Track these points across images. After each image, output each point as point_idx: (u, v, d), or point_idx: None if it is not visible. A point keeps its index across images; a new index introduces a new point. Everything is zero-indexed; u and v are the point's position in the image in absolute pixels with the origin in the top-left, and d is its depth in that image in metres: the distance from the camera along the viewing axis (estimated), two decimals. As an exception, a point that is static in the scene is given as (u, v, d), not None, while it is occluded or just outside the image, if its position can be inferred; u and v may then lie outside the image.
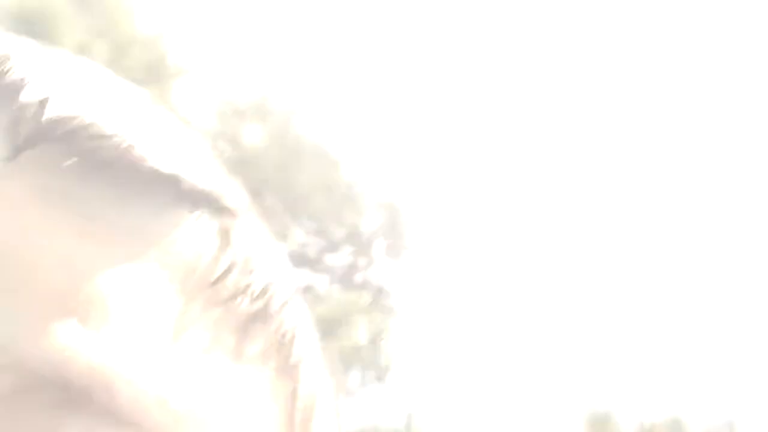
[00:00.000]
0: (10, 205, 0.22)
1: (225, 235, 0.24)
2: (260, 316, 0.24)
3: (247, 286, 0.24)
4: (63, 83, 0.24)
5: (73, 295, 0.21)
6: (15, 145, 0.22)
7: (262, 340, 0.24)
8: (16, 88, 0.23)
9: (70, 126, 0.22)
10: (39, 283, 0.21)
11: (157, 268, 0.23)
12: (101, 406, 0.20)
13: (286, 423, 0.24)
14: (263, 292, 0.25)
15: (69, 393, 0.20)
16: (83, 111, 0.23)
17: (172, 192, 0.23)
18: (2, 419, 0.19)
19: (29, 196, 0.22)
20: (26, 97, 0.22)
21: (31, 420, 0.20)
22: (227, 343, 0.23)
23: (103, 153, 0.23)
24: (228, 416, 0.22)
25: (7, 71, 0.23)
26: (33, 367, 0.20)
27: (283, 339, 0.25)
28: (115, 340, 0.21)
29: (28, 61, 0.24)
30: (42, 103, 0.22)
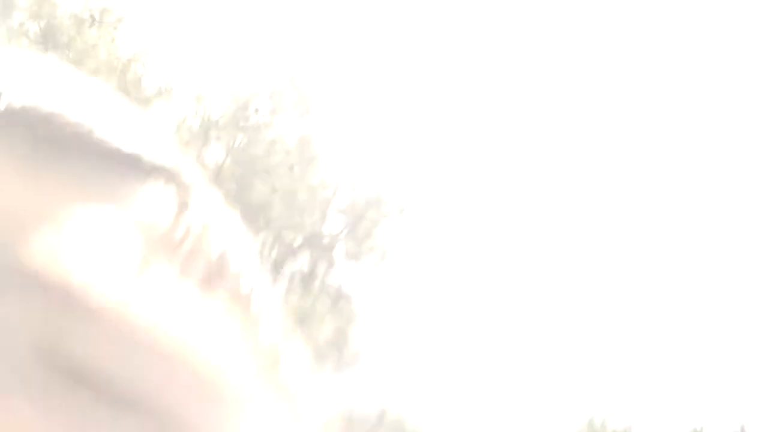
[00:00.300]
0: None
1: (182, 204, 0.26)
2: (216, 278, 0.25)
3: (204, 250, 0.25)
4: (22, 77, 0.25)
5: (30, 229, 0.23)
6: None
7: (219, 302, 0.25)
8: None
9: (26, 114, 0.24)
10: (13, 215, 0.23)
11: (116, 223, 0.24)
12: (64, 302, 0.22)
13: (252, 369, 0.25)
14: (220, 257, 0.26)
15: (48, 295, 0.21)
16: (41, 100, 0.24)
17: (131, 167, 0.25)
18: None
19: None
20: None
21: (17, 302, 0.21)
22: (186, 299, 0.24)
23: (62, 137, 0.24)
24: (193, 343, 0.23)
25: None
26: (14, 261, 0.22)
27: (239, 300, 0.26)
28: (78, 255, 0.22)
29: None
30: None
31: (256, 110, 14.55)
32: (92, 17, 11.63)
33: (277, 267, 14.53)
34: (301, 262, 14.85)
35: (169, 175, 0.26)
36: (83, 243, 0.23)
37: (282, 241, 14.48)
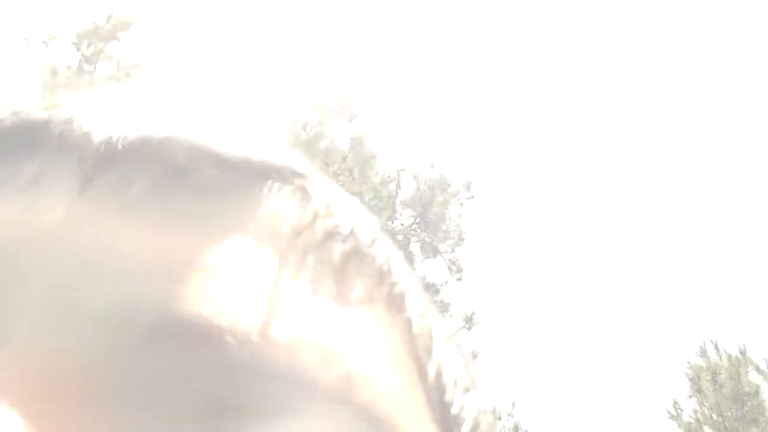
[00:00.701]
0: (89, 222, 0.23)
1: (303, 192, 0.25)
2: (354, 255, 0.25)
3: (335, 228, 0.25)
4: (122, 108, 0.26)
5: (174, 273, 0.22)
6: (85, 175, 0.24)
7: (361, 279, 0.25)
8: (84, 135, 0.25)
9: (136, 146, 0.24)
10: (139, 271, 0.22)
11: (244, 239, 0.23)
12: (223, 354, 0.21)
13: (409, 353, 0.25)
14: (351, 232, 0.25)
15: (184, 336, 0.21)
16: (145, 128, 0.25)
17: (245, 173, 0.25)
18: (131, 369, 0.20)
19: (108, 215, 0.23)
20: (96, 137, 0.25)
21: (158, 368, 0.21)
22: (328, 290, 0.24)
23: (170, 159, 0.24)
24: (350, 358, 0.22)
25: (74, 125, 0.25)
26: (150, 320, 0.21)
27: (381, 273, 0.25)
28: (224, 295, 0.22)
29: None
30: (112, 137, 0.24)
31: (305, 125, 14.66)
32: (127, 75, 11.89)
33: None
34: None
35: (281, 170, 0.26)
36: (232, 281, 0.22)
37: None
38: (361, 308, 0.24)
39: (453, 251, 14.35)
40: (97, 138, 0.24)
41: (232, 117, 0.27)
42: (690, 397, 12.43)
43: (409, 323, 0.25)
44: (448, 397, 0.26)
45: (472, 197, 14.24)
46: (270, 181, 0.25)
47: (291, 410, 0.21)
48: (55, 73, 10.74)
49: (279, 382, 0.21)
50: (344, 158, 14.21)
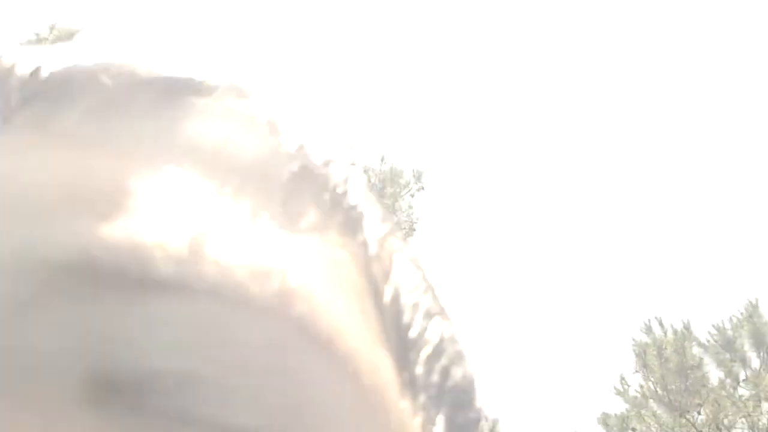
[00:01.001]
0: (8, 152, 0.21)
1: (241, 109, 0.24)
2: (302, 177, 0.23)
3: (278, 146, 0.23)
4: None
5: (83, 194, 0.20)
6: (9, 107, 0.23)
7: (311, 202, 0.23)
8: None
9: (61, 75, 0.23)
10: (45, 194, 0.20)
11: (177, 159, 0.22)
12: (137, 278, 0.19)
13: (362, 275, 0.23)
14: (298, 150, 0.23)
15: (96, 273, 0.19)
16: (71, 59, 0.24)
17: (175, 92, 0.23)
18: (36, 317, 0.18)
19: (27, 149, 0.22)
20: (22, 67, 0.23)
21: (65, 309, 0.19)
22: (272, 213, 0.22)
23: (97, 86, 0.23)
24: (288, 274, 0.20)
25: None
26: (61, 257, 0.19)
27: (335, 196, 0.23)
28: (133, 220, 0.20)
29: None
30: (36, 69, 0.23)
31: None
32: None
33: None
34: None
35: (216, 84, 0.24)
36: (159, 205, 0.20)
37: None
38: (312, 234, 0.22)
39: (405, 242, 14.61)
40: (20, 71, 0.23)
41: (164, 44, 0.25)
42: (636, 372, 12.89)
43: (364, 245, 0.24)
44: (405, 319, 0.24)
45: (423, 188, 14.55)
46: (204, 99, 0.24)
47: (223, 328, 0.19)
48: None
49: (203, 300, 0.19)
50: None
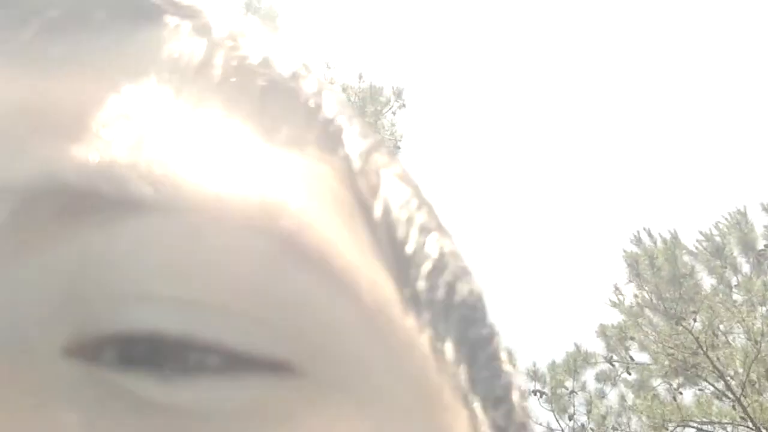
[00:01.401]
0: None
1: (204, 25, 0.22)
2: (271, 90, 0.22)
3: (243, 60, 0.22)
4: None
5: (47, 117, 0.19)
6: None
7: (284, 117, 0.21)
8: None
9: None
10: (6, 118, 0.19)
11: (144, 80, 0.20)
12: (113, 200, 0.18)
13: (348, 189, 0.22)
14: (264, 64, 0.22)
15: (74, 199, 0.18)
16: None
17: (139, 10, 0.22)
18: (9, 241, 0.17)
19: None
20: None
21: (41, 234, 0.17)
22: (250, 130, 0.21)
23: (59, 3, 0.21)
24: (271, 188, 0.19)
25: None
26: (28, 186, 0.17)
27: (309, 110, 0.22)
28: (106, 142, 0.18)
29: None
30: None
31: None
32: None
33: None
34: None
35: (179, 6, 0.23)
36: (132, 124, 0.19)
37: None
38: (290, 149, 0.21)
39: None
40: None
41: None
42: (629, 282, 12.81)
43: (347, 160, 0.22)
44: (399, 235, 0.22)
45: (404, 105, 14.15)
46: (167, 16, 0.23)
47: (204, 242, 0.18)
48: None
49: (184, 218, 0.18)
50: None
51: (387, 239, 0.22)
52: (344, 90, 14.01)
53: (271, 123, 0.21)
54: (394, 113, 13.97)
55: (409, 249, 0.22)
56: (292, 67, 0.23)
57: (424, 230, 0.23)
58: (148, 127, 0.19)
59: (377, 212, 0.22)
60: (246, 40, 0.23)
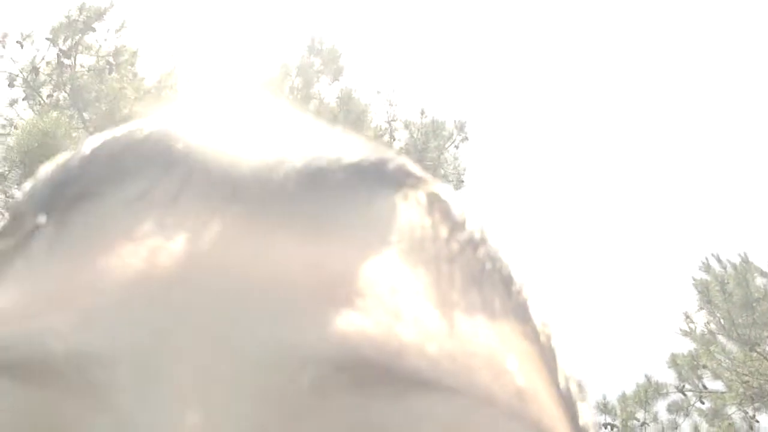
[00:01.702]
0: (224, 238, 0.21)
1: (434, 198, 0.25)
2: (489, 264, 0.24)
3: (472, 236, 0.25)
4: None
5: (333, 290, 0.21)
6: (228, 192, 0.23)
7: (496, 289, 0.24)
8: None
9: (266, 163, 0.23)
10: (297, 289, 0.20)
11: (390, 248, 0.22)
12: (400, 375, 0.20)
13: (541, 364, 0.24)
14: (483, 238, 0.25)
15: (367, 371, 0.20)
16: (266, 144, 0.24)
17: (377, 179, 0.24)
18: (312, 410, 0.19)
19: (243, 230, 0.22)
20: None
21: (339, 404, 0.19)
22: (476, 302, 0.23)
23: (304, 167, 0.23)
24: (516, 373, 0.22)
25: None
26: (328, 356, 0.19)
27: (507, 281, 0.25)
28: (386, 316, 0.21)
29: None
30: (236, 159, 0.24)
31: (292, 89, 14.61)
32: (108, 63, 11.80)
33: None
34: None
35: (408, 175, 0.25)
36: (392, 297, 0.21)
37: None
38: (503, 320, 0.23)
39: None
40: (225, 159, 0.24)
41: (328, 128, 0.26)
42: (700, 309, 12.64)
43: (535, 333, 0.25)
44: (577, 407, 0.25)
45: (467, 138, 14.26)
46: (404, 189, 0.25)
47: (474, 427, 0.20)
48: (35, 71, 10.74)
49: (456, 398, 0.20)
50: (335, 116, 14.22)
51: (568, 411, 0.24)
52: (407, 126, 14.20)
53: (489, 297, 0.23)
54: (456, 147, 14.10)
55: (582, 422, 0.25)
56: (496, 240, 0.25)
57: (583, 399, 0.26)
58: (413, 301, 0.21)
59: (562, 385, 0.25)
60: (468, 214, 0.25)
